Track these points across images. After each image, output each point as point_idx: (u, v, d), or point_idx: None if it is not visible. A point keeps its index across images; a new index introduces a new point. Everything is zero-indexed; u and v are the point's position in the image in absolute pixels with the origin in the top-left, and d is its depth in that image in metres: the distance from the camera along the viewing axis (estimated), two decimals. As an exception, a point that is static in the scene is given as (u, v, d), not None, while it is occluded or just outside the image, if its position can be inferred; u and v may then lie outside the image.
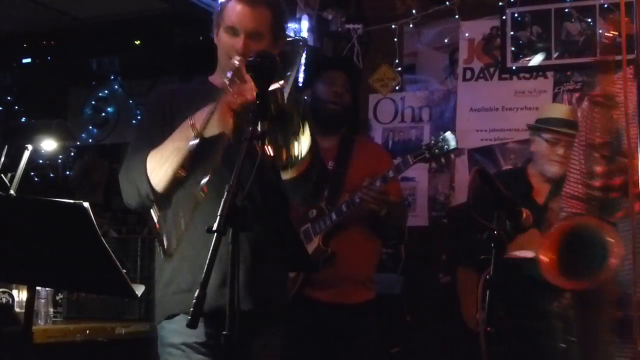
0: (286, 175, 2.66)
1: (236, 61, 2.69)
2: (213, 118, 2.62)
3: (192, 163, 2.67)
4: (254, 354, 2.74)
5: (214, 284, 2.64)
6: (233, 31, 2.80)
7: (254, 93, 2.49)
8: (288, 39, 2.80)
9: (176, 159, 2.68)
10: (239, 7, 2.81)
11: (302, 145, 2.42)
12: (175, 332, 2.75)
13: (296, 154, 2.42)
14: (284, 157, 2.43)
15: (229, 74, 2.66)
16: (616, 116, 2.29)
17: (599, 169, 2.22)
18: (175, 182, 2.72)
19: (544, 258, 2.21)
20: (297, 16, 5.17)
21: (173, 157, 2.68)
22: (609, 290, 2.22)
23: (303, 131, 2.40)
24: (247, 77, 2.64)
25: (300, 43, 2.83)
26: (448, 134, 3.90)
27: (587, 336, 2.30)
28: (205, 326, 2.65)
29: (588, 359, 2.47)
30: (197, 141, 2.64)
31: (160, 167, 2.70)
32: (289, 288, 3.95)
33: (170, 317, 2.78)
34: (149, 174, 2.71)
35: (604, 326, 2.24)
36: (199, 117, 2.66)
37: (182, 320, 2.73)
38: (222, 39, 2.84)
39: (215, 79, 2.91)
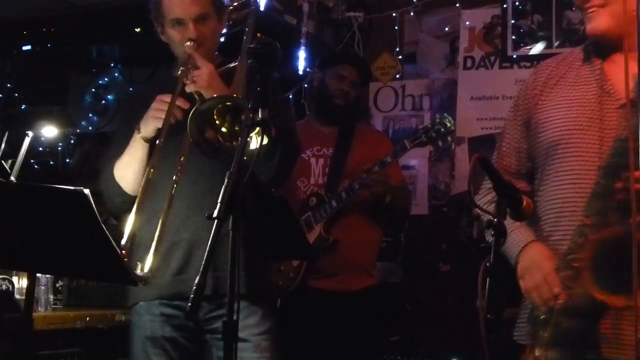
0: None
1: (187, 49, 2.72)
2: (147, 117, 2.69)
3: (154, 160, 2.68)
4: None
5: (172, 271, 2.66)
6: (179, 23, 2.79)
7: (206, 78, 2.53)
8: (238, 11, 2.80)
9: (134, 163, 2.74)
10: None
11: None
12: (136, 322, 2.80)
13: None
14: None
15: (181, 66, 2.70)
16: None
17: None
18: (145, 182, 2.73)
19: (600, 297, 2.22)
20: (298, 3, 5.16)
21: (132, 163, 2.74)
22: None
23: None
24: (200, 61, 2.67)
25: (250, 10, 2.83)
26: (444, 117, 3.92)
27: None
28: (162, 315, 2.70)
29: None
30: (142, 143, 2.71)
31: (124, 174, 2.77)
32: (291, 278, 3.97)
33: (135, 303, 2.82)
34: (119, 183, 2.79)
35: None
36: (142, 122, 2.72)
37: (141, 309, 2.77)
38: (171, 34, 2.83)
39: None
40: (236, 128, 2.36)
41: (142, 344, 2.76)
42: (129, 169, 2.76)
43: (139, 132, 2.72)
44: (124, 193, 2.79)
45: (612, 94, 2.43)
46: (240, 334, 2.66)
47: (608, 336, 2.32)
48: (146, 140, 2.71)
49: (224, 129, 2.33)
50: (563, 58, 2.62)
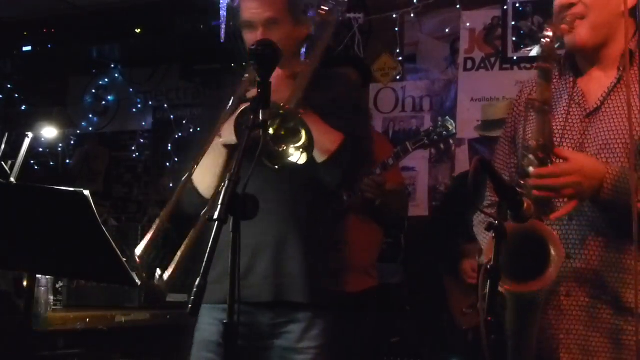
0: (317, 159, 2.62)
1: None
2: (226, 127, 2.66)
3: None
4: (279, 345, 2.74)
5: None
6: (250, 26, 2.77)
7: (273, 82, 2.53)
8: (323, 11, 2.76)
9: (214, 168, 2.72)
10: (248, 0, 2.77)
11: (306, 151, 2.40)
12: (198, 324, 2.82)
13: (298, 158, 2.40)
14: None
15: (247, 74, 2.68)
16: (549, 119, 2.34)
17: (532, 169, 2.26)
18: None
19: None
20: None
21: (212, 168, 2.72)
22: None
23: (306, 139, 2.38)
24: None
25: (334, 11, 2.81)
26: (446, 120, 3.93)
27: None
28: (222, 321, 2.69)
29: None
30: (223, 148, 2.69)
31: (204, 179, 2.75)
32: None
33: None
34: (197, 187, 2.76)
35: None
36: (223, 128, 2.69)
37: (204, 311, 2.74)
38: (245, 36, 2.81)
39: None
40: (282, 132, 2.37)
41: (199, 346, 2.78)
42: (208, 174, 2.72)
43: (220, 138, 2.70)
44: (199, 196, 2.76)
45: (580, 104, 2.45)
46: (299, 345, 2.73)
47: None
48: (226, 146, 2.69)
49: (271, 131, 2.33)
50: None
